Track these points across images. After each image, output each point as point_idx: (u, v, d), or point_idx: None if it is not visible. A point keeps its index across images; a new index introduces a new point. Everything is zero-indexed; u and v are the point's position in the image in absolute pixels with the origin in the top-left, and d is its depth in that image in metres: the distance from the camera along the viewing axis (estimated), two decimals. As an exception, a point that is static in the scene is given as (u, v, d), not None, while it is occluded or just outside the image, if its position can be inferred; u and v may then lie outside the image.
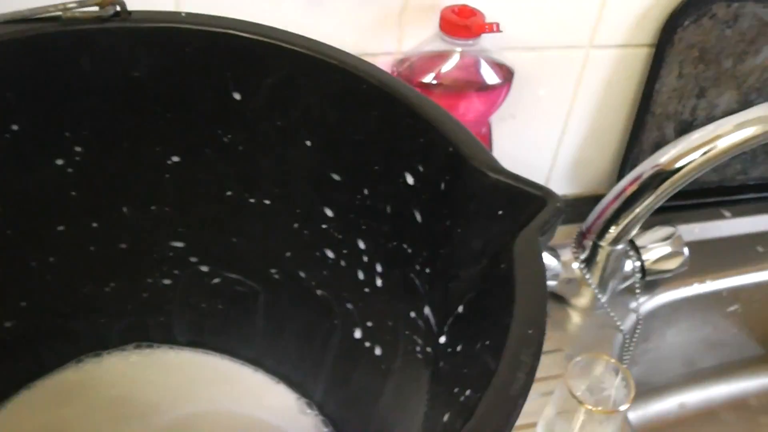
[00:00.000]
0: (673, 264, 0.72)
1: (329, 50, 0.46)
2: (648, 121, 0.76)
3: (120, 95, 0.47)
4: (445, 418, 0.37)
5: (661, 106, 0.76)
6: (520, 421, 0.60)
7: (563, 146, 0.76)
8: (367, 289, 0.49)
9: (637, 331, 0.71)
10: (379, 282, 0.49)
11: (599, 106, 0.75)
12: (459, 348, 0.41)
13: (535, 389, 0.63)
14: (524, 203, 0.39)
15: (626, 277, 0.71)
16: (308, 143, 0.48)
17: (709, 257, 0.79)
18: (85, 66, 0.45)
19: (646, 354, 0.78)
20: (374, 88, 0.45)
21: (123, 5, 0.45)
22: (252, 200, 0.52)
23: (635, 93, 0.76)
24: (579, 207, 0.75)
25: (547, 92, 0.73)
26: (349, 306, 0.51)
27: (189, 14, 0.46)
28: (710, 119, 0.78)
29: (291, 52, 0.46)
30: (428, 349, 0.44)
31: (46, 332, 0.55)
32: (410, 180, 0.45)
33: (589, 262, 0.69)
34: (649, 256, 0.71)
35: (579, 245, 0.69)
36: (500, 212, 0.40)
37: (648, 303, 0.74)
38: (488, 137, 0.68)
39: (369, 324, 0.50)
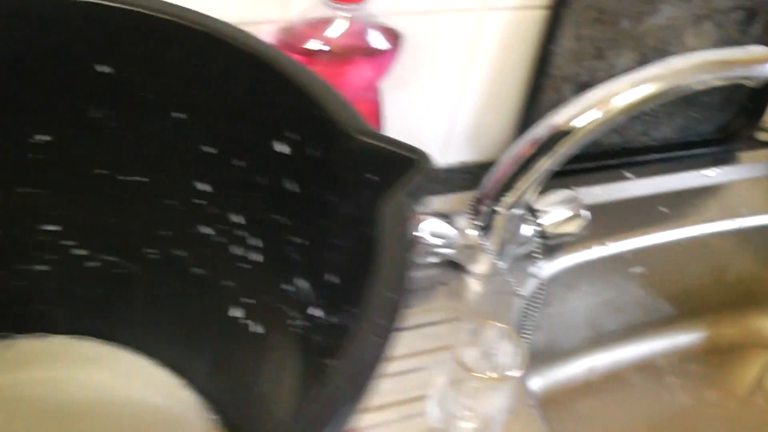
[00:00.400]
0: (572, 227, 0.73)
1: (197, 17, 0.45)
2: (545, 84, 0.77)
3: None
4: (314, 390, 0.37)
5: (559, 69, 0.77)
6: (412, 393, 0.61)
7: (460, 112, 0.77)
8: (245, 265, 0.49)
9: (539, 296, 0.72)
10: (256, 257, 0.48)
11: (496, 71, 0.76)
12: (333, 319, 0.42)
13: (431, 360, 0.64)
14: (395, 166, 0.39)
15: (525, 242, 0.72)
16: (179, 116, 0.48)
17: (612, 220, 0.80)
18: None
19: (550, 319, 0.79)
20: (244, 55, 0.45)
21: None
22: (125, 178, 0.51)
23: (532, 56, 0.77)
24: (479, 174, 0.75)
25: (441, 57, 0.73)
26: (229, 283, 0.51)
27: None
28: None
29: (158, 21, 0.45)
30: (304, 323, 0.45)
31: None
32: (283, 149, 0.45)
33: (486, 228, 0.69)
34: (548, 219, 0.72)
35: (476, 211, 0.69)
36: (372, 176, 0.40)
37: (549, 267, 0.75)
38: (378, 105, 0.68)
39: (249, 301, 0.50)
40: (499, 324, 0.54)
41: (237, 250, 0.49)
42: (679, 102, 0.85)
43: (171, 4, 0.46)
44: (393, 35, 0.65)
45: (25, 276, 0.55)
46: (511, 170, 0.67)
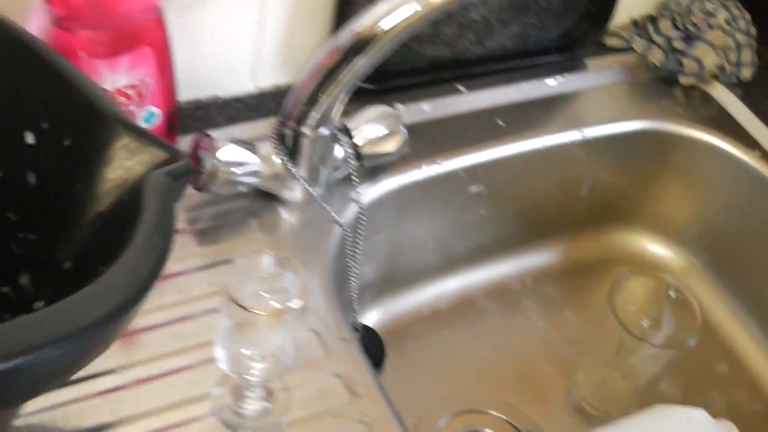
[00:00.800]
0: (390, 146, 0.69)
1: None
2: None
3: None
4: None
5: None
6: (195, 340, 0.57)
7: (266, 32, 0.72)
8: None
9: (362, 223, 0.69)
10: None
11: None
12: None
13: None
14: (150, 158, 0.42)
15: (341, 166, 0.68)
16: None
17: (444, 136, 0.76)
18: None
19: (384, 247, 0.76)
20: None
21: None
22: None
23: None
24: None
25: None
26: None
27: None
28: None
29: None
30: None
31: None
32: (30, 139, 0.44)
33: (293, 152, 0.65)
34: (362, 139, 0.68)
35: (279, 135, 0.65)
36: (124, 164, 0.42)
37: (372, 191, 0.71)
38: (163, 28, 0.62)
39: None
40: (275, 253, 0.50)
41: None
42: (513, 8, 0.81)
43: None
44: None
45: None
46: (313, 84, 0.62)
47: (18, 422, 0.51)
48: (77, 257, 0.42)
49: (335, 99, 0.63)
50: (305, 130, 0.64)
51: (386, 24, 0.60)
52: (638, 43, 0.89)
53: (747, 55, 0.89)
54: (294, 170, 0.65)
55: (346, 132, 0.67)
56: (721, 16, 0.88)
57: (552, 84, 0.85)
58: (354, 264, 0.70)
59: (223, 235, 0.65)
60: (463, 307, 0.83)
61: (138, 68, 0.60)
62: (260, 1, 0.69)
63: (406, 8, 0.59)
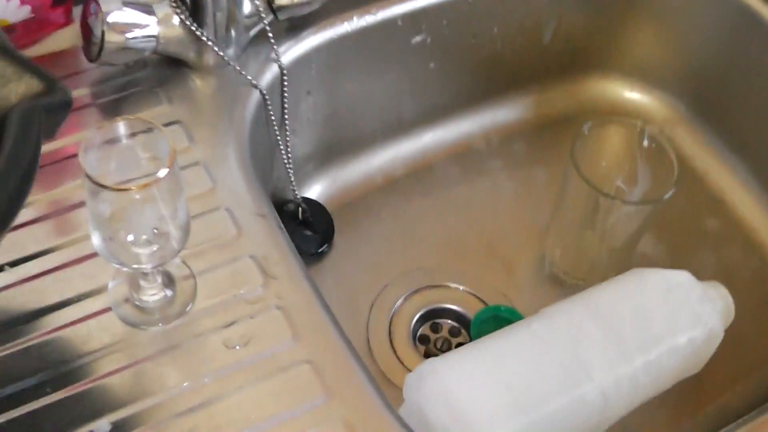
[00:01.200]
0: (309, -6, 0.63)
1: None
2: None
3: None
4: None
5: None
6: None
7: None
8: None
9: (285, 85, 0.63)
10: None
11: None
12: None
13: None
14: (26, 87, 0.41)
15: (253, 23, 0.62)
16: None
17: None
18: None
19: (320, 111, 0.70)
20: None
21: None
22: None
23: None
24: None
25: None
26: None
27: None
28: None
29: None
30: None
31: None
32: None
33: (195, 11, 0.59)
34: (274, -11, 0.61)
35: (178, -7, 0.59)
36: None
37: (295, 49, 0.65)
38: None
39: None
40: (136, 118, 0.45)
41: None
42: None
43: None
44: None
45: None
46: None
47: None
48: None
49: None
50: (204, -17, 0.57)
51: None
52: None
53: None
54: (198, 31, 0.59)
55: (255, -17, 0.60)
56: None
57: None
58: (283, 132, 0.64)
59: (127, 109, 0.60)
60: (420, 172, 0.77)
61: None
62: None
63: None
